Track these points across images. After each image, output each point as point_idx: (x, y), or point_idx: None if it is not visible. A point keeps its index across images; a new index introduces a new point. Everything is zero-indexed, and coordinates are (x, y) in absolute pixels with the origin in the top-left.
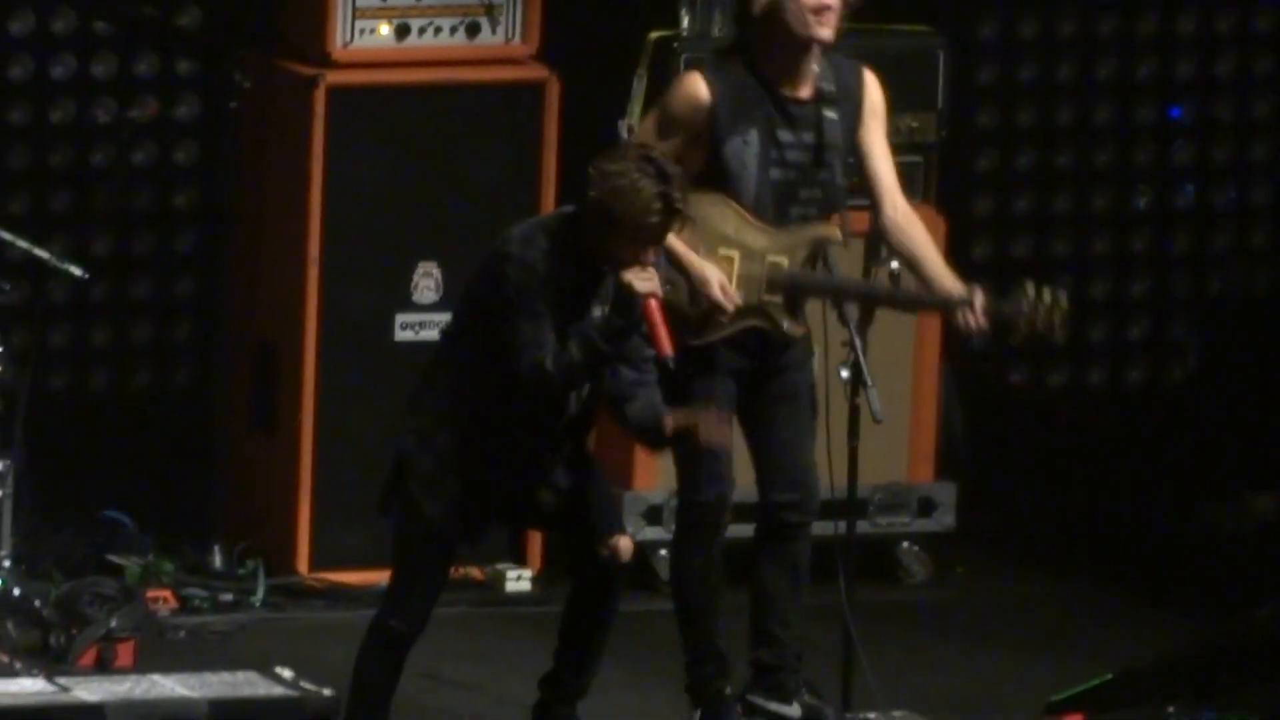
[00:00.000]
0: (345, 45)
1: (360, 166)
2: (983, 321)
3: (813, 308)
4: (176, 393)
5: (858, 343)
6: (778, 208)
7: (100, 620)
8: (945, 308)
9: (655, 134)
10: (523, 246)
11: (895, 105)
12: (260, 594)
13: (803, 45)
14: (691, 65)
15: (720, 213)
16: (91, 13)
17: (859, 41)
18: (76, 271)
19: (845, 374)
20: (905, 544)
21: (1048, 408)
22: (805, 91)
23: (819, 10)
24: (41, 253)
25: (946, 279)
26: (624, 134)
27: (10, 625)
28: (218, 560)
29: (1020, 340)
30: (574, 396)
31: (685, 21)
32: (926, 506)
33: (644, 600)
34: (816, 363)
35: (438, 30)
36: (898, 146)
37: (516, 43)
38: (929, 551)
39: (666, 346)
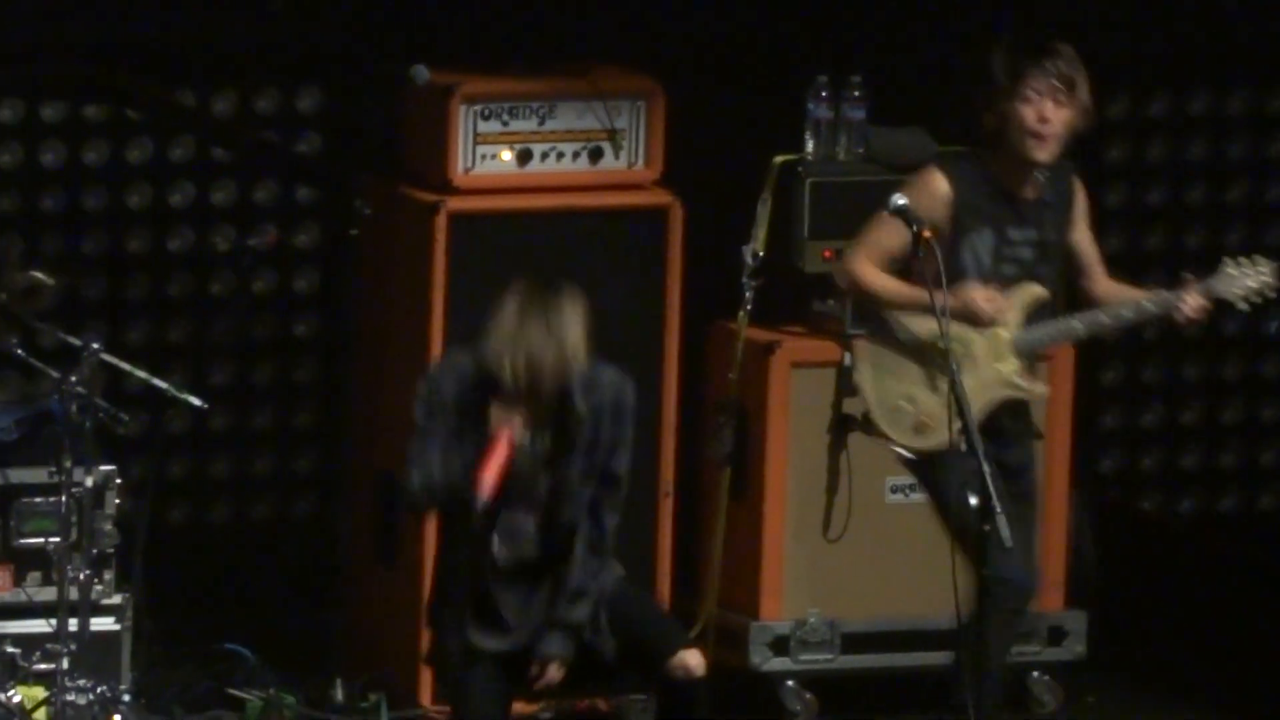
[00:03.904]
0: (467, 171)
1: (482, 293)
2: (1201, 304)
3: None
4: (298, 524)
5: (986, 469)
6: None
7: None
8: (1165, 308)
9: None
10: (439, 367)
11: None
12: None
13: (1024, 161)
14: (930, 163)
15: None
16: (210, 140)
17: None
18: (196, 402)
19: (974, 501)
20: (1035, 673)
21: (1179, 534)
22: (1030, 192)
23: (1037, 135)
24: (160, 383)
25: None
26: (748, 259)
27: None
28: (340, 693)
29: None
30: (520, 540)
31: (810, 145)
32: (1057, 635)
33: None
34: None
35: (560, 156)
36: None
37: (640, 168)
38: (1060, 680)
39: (487, 486)
